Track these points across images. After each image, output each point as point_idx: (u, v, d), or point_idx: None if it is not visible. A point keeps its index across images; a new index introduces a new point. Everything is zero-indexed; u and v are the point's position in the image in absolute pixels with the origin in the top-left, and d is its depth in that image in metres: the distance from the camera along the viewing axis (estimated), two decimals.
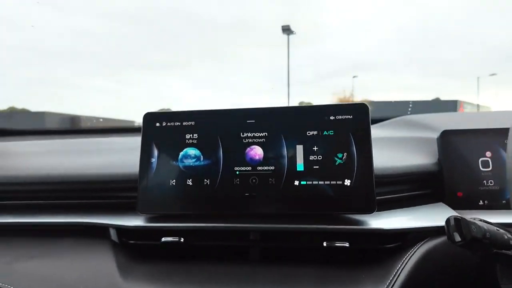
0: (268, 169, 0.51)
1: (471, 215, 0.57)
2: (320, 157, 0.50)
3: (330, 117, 0.51)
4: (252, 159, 0.51)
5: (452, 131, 0.62)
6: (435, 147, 0.63)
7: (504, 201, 0.58)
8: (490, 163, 0.60)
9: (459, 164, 0.60)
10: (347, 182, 0.49)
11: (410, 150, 0.65)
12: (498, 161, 0.60)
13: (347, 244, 0.47)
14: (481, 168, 0.60)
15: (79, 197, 0.59)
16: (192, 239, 0.50)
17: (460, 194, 0.59)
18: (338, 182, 0.49)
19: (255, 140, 0.52)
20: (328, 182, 0.49)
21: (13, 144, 0.80)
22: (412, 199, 0.61)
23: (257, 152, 0.51)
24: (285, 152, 0.51)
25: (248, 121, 0.53)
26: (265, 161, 0.51)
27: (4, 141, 0.84)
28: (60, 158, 0.66)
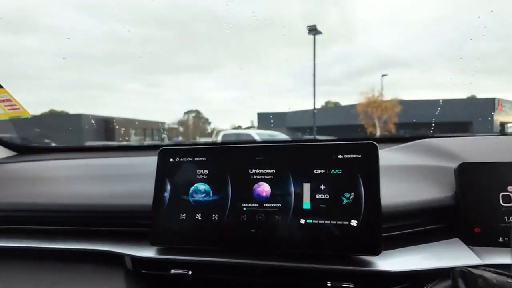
0: (275, 206, 0.51)
1: (488, 254, 0.55)
2: (327, 196, 0.50)
3: (339, 156, 0.51)
4: (259, 196, 0.52)
5: (471, 164, 0.60)
6: (452, 178, 0.61)
7: None
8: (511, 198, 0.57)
9: (478, 198, 0.58)
10: (354, 222, 0.49)
11: (426, 180, 0.64)
12: None
13: (351, 285, 0.47)
14: (502, 203, 0.57)
15: (98, 223, 0.63)
16: (199, 272, 0.52)
17: (477, 229, 0.57)
18: (344, 222, 0.49)
19: (263, 177, 0.53)
20: (335, 222, 0.49)
21: (40, 166, 0.85)
22: (426, 233, 0.59)
23: (264, 188, 0.52)
24: (292, 189, 0.51)
25: (256, 158, 0.54)
26: (272, 198, 0.52)
27: (32, 160, 0.90)
28: (82, 185, 0.70)
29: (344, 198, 0.50)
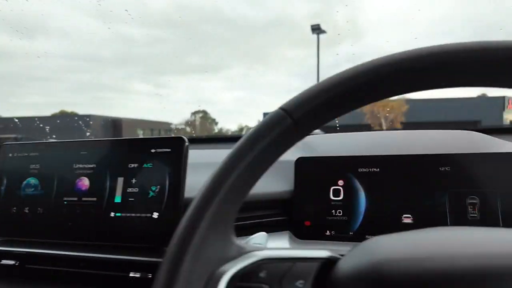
0: (91, 200, 0.54)
1: (315, 246, 0.56)
2: (137, 190, 0.52)
3: (151, 150, 0.53)
4: (80, 190, 0.54)
5: (306, 158, 0.61)
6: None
7: (351, 233, 0.56)
8: (342, 192, 0.58)
9: (310, 192, 0.59)
10: (155, 215, 0.50)
11: (273, 174, 0.65)
12: (350, 190, 0.57)
13: (150, 275, 0.49)
14: (332, 197, 0.58)
15: None
16: (28, 263, 0.55)
17: (308, 223, 0.58)
18: (147, 215, 0.51)
19: (84, 172, 0.55)
20: (139, 215, 0.51)
21: None
22: (268, 226, 0.60)
23: (84, 183, 0.54)
24: (108, 183, 0.53)
25: (81, 153, 0.56)
26: (90, 192, 0.54)
27: None
28: None
29: (151, 192, 0.51)
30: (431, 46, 0.26)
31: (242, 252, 0.29)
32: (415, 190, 0.55)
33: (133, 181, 0.52)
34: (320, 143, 0.71)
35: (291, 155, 0.66)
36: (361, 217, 0.56)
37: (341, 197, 0.57)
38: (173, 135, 0.53)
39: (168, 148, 0.52)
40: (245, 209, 0.60)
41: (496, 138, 0.69)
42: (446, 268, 0.22)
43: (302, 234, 0.57)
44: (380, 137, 0.71)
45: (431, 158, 0.56)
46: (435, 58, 0.25)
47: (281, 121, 0.27)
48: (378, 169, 0.58)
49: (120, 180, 0.53)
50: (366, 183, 0.57)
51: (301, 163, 0.60)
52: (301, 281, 0.27)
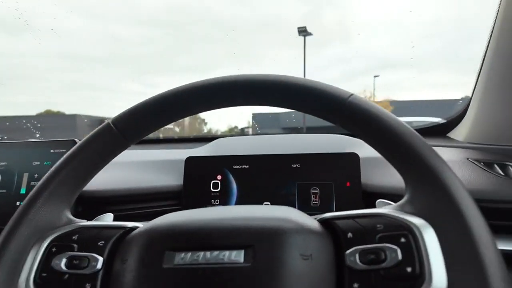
0: (2, 192, 0.64)
1: None
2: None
3: (51, 150, 0.64)
4: None
5: (193, 157, 0.72)
6: None
7: None
8: (220, 184, 0.69)
9: (195, 185, 0.70)
10: None
11: (161, 171, 0.75)
12: (226, 183, 0.69)
13: None
14: (212, 189, 0.70)
15: None
16: None
17: None
18: None
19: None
20: None
21: None
22: (157, 214, 0.70)
23: None
24: (15, 178, 0.64)
25: None
26: (1, 185, 0.65)
27: None
28: None
29: None
30: (215, 77, 0.37)
31: (69, 223, 0.39)
32: (274, 182, 0.67)
33: (36, 175, 0.63)
34: (221, 145, 0.82)
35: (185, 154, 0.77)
36: (233, 204, 0.68)
37: (219, 189, 0.69)
38: (66, 139, 0.64)
39: (64, 149, 0.63)
40: (143, 200, 0.71)
41: (360, 140, 0.81)
42: (188, 227, 0.32)
43: None
44: (258, 141, 0.82)
45: (287, 157, 0.68)
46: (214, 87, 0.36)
47: (107, 132, 0.38)
48: (248, 166, 0.69)
49: (25, 175, 0.64)
50: (239, 177, 0.69)
51: (189, 162, 0.72)
52: (102, 242, 0.38)
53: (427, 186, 0.29)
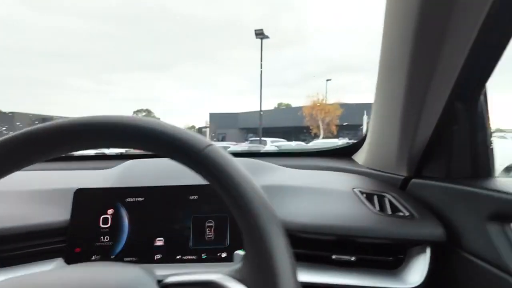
0: None
1: None
2: None
3: None
4: None
5: (83, 189, 0.66)
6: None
7: (112, 257, 0.62)
8: (110, 220, 0.64)
9: (84, 221, 0.64)
10: None
11: (48, 203, 0.67)
12: (117, 218, 0.64)
13: None
14: (101, 225, 0.64)
15: None
16: None
17: (78, 249, 0.63)
18: None
19: None
20: None
21: None
22: (35, 255, 0.62)
23: None
24: None
25: None
26: None
27: None
28: None
29: None
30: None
31: None
32: (169, 216, 0.63)
33: None
34: (128, 168, 0.76)
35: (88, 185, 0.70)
36: (123, 242, 0.63)
37: (109, 224, 0.64)
38: None
39: None
40: (26, 238, 0.63)
41: (272, 164, 0.80)
42: None
43: (72, 260, 0.62)
44: (171, 164, 0.76)
45: (185, 188, 0.64)
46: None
47: None
48: (143, 198, 0.65)
49: None
50: (132, 211, 0.64)
51: (78, 194, 0.65)
52: None
53: (256, 257, 0.30)
